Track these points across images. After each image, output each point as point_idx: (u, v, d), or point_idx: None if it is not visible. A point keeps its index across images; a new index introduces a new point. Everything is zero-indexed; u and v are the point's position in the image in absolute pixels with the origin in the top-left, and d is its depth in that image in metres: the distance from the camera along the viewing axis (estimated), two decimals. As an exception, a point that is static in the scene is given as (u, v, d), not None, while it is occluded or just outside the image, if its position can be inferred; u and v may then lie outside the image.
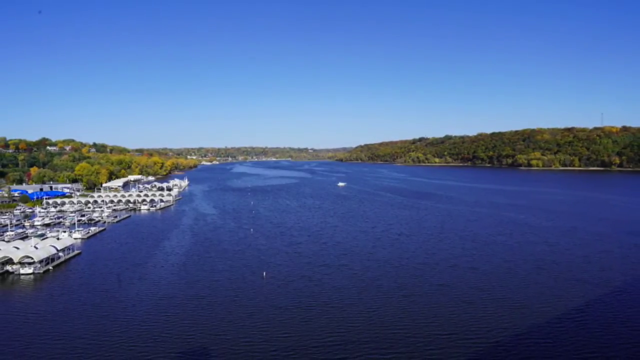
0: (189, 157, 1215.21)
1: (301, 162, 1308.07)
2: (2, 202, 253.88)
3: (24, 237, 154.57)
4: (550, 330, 73.18)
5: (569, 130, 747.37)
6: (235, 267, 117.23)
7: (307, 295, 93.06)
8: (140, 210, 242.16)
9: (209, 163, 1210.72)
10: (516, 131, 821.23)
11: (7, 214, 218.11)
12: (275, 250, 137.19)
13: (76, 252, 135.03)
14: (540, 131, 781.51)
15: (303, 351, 66.76)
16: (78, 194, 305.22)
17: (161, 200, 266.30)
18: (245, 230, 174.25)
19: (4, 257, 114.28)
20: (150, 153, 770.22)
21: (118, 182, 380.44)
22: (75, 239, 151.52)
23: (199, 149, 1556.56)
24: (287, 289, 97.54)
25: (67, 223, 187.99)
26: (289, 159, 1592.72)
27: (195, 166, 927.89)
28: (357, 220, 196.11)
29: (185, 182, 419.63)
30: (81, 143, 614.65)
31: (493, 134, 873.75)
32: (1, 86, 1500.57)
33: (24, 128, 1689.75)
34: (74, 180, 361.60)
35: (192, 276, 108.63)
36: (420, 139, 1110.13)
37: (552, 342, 68.62)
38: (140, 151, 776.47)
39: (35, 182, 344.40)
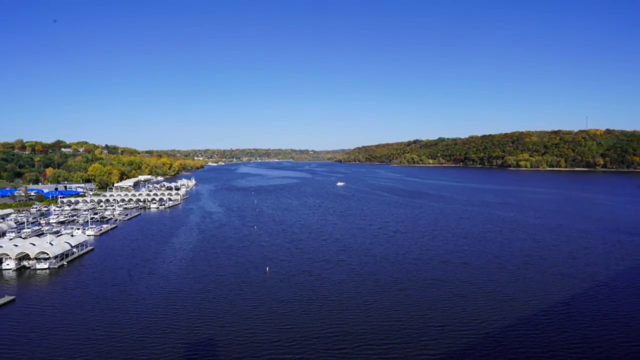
0: (196, 158, 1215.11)
1: (302, 163, 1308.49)
2: (19, 201, 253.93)
3: (40, 234, 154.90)
4: (537, 322, 73.26)
5: (556, 132, 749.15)
6: (239, 262, 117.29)
7: (307, 289, 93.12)
8: (149, 208, 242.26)
9: (214, 164, 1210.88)
10: (506, 134, 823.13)
11: (24, 212, 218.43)
12: (277, 246, 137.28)
13: (89, 248, 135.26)
14: (529, 134, 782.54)
15: (304, 342, 66.85)
16: (91, 193, 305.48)
17: (170, 199, 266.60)
18: (249, 227, 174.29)
19: (22, 252, 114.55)
20: (160, 154, 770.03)
21: (129, 182, 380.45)
22: (88, 235, 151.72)
23: (206, 151, 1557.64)
24: (288, 283, 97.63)
25: (81, 221, 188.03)
26: (291, 160, 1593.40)
27: (202, 167, 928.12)
28: (355, 218, 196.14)
29: (192, 182, 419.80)
30: (94, 145, 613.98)
31: (484, 136, 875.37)
32: (19, 91, 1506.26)
33: (40, 131, 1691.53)
34: (87, 180, 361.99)
35: (199, 271, 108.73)
36: (415, 141, 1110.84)
37: (539, 333, 68.76)
38: (149, 152, 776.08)
39: (51, 182, 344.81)
